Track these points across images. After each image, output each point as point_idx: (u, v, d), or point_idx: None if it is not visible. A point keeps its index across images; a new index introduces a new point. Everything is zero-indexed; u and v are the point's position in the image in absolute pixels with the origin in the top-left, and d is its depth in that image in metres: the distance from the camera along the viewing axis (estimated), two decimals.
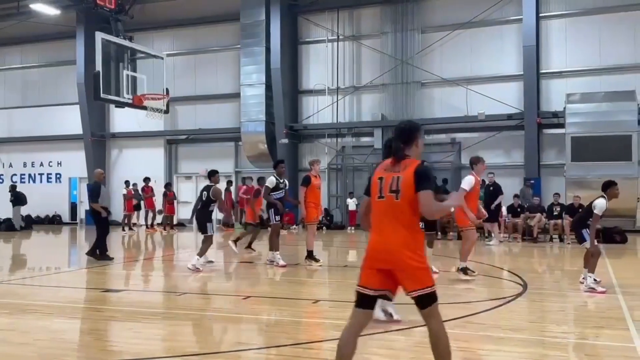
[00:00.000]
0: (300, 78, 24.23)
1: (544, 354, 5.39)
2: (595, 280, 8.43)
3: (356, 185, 22.52)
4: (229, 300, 8.44)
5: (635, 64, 19.47)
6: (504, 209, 17.15)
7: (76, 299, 8.74)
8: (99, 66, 18.15)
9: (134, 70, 20.06)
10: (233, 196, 24.09)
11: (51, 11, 23.30)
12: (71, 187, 27.79)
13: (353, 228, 21.15)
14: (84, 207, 25.58)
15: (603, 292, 8.16)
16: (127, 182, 21.99)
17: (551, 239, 16.71)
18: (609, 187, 8.49)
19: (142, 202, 21.95)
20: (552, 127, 20.31)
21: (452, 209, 9.42)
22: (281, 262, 11.24)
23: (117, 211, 24.76)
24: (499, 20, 21.15)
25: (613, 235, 15.95)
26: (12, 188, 23.67)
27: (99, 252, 12.40)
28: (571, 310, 7.53)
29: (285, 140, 22.93)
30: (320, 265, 11.39)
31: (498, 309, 7.30)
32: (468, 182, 9.39)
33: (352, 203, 21.41)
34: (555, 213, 16.91)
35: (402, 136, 4.12)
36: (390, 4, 22.57)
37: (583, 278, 8.57)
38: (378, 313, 6.01)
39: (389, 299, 4.32)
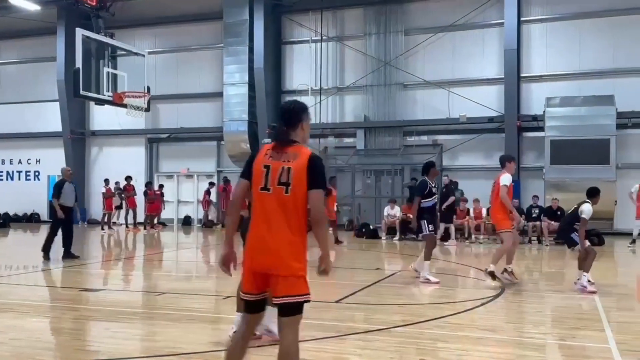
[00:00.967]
0: (283, 78, 24.19)
1: (522, 355, 5.45)
2: (589, 280, 8.57)
3: (338, 186, 22.51)
4: (209, 300, 8.39)
5: (614, 69, 19.75)
6: (483, 211, 17.29)
7: (53, 298, 8.64)
8: (79, 63, 17.97)
9: (115, 67, 19.90)
10: (214, 196, 24.04)
11: (31, 7, 22.98)
12: (50, 185, 27.43)
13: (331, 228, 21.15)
14: None
15: (593, 292, 8.31)
16: (106, 181, 21.78)
17: (530, 241, 16.89)
18: (595, 195, 8.96)
19: (123, 201, 21.79)
20: (531, 130, 20.53)
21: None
22: None
23: (97, 210, 24.56)
24: (481, 23, 21.32)
25: (590, 238, 16.10)
26: None
27: (42, 249, 12.22)
28: (548, 311, 7.62)
29: (268, 140, 22.45)
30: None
31: (476, 310, 7.36)
32: (508, 178, 9.19)
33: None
34: (534, 215, 17.12)
35: (286, 117, 3.72)
36: (373, 5, 22.64)
37: (578, 279, 8.73)
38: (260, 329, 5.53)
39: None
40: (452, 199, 16.61)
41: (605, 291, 8.65)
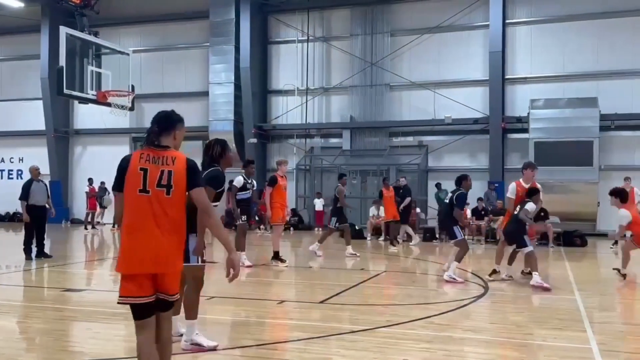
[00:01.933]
0: (269, 78, 24.16)
1: (504, 355, 5.49)
2: (453, 276, 9.39)
3: (324, 186, 22.58)
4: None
5: (597, 71, 19.97)
6: (468, 212, 17.39)
7: (35, 298, 8.55)
8: (63, 61, 17.77)
9: (99, 66, 19.70)
10: None
11: (15, 4, 22.75)
12: None
13: (320, 228, 21.17)
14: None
15: (459, 282, 9.26)
16: (90, 180, 21.59)
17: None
18: (465, 180, 9.66)
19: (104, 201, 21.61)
20: (516, 131, 20.69)
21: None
22: (247, 263, 11.17)
23: (80, 209, 24.36)
24: (466, 25, 21.45)
25: (573, 239, 16.32)
26: None
27: (24, 250, 12.14)
28: (531, 312, 7.68)
29: (254, 140, 22.85)
30: (286, 266, 11.39)
31: (460, 310, 7.40)
32: (511, 189, 9.73)
33: (319, 203, 21.47)
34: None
35: (162, 124, 3.89)
36: (360, 6, 22.69)
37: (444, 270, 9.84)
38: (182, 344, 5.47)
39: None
40: (408, 199, 16.88)
41: (587, 292, 8.73)
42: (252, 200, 11.91)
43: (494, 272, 9.64)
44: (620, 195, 10.30)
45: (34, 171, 12.72)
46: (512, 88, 21.09)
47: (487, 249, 15.93)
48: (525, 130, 19.72)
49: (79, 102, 21.47)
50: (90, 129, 25.77)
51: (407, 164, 21.29)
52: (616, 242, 16.06)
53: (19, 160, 27.16)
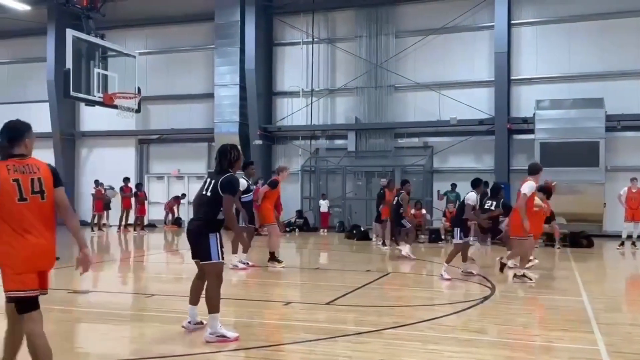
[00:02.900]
0: (274, 80, 24.18)
1: (510, 356, 5.48)
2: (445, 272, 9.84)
3: (329, 187, 22.58)
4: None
5: (603, 72, 19.89)
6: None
7: (42, 299, 8.57)
8: (69, 64, 17.84)
9: (105, 68, 19.76)
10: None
11: (21, 7, 22.83)
12: None
13: (325, 230, 21.19)
14: None
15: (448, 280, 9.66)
16: (96, 182, 21.66)
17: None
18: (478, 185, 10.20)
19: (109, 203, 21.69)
20: (522, 132, 20.63)
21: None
22: (241, 265, 11.14)
23: (86, 211, 24.41)
24: (471, 26, 21.41)
25: (580, 240, 16.25)
26: None
27: None
28: (538, 313, 7.66)
29: (259, 142, 22.87)
30: (283, 267, 11.37)
31: (466, 312, 7.39)
32: (529, 186, 9.47)
33: (324, 205, 21.47)
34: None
35: (11, 134, 4.19)
36: (365, 8, 22.69)
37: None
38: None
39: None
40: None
41: (594, 293, 8.70)
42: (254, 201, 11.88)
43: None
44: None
45: None
46: (518, 89, 21.04)
47: (494, 250, 15.88)
48: (531, 131, 19.66)
49: (86, 105, 21.51)
50: (97, 131, 25.85)
51: (412, 165, 21.27)
52: (622, 244, 16.01)
53: None
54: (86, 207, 24.38)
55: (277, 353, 5.54)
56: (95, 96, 18.99)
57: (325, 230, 21.22)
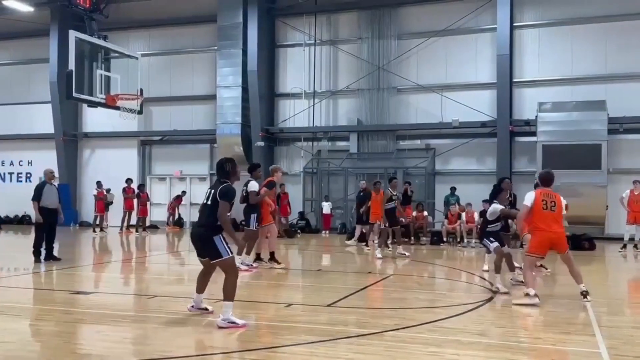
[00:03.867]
0: (277, 81, 24.21)
1: (512, 359, 5.47)
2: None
3: (331, 189, 22.59)
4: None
5: (605, 74, 19.88)
6: (475, 215, 17.34)
7: (44, 300, 8.60)
8: (72, 65, 17.90)
9: (108, 69, 19.82)
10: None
11: (25, 8, 22.92)
12: None
13: (327, 232, 21.19)
14: None
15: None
16: (98, 183, 21.69)
17: (522, 245, 16.92)
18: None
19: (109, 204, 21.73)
20: (524, 135, 20.63)
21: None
22: (243, 267, 11.16)
23: (88, 212, 24.46)
24: (473, 28, 21.42)
25: (582, 243, 16.24)
26: None
27: (33, 252, 12.23)
28: (539, 315, 7.64)
29: (261, 143, 22.89)
30: (282, 268, 11.40)
31: (468, 314, 7.39)
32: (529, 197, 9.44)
33: (326, 206, 21.47)
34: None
35: None
36: (367, 10, 22.71)
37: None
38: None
39: None
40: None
41: (596, 296, 8.69)
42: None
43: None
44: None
45: (49, 174, 12.79)
46: (520, 91, 21.03)
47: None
48: (533, 134, 19.65)
49: (88, 106, 21.59)
50: (99, 132, 25.91)
51: (414, 167, 21.27)
52: (625, 246, 15.99)
53: (28, 163, 27.33)
54: (88, 208, 24.45)
55: (279, 355, 5.54)
56: (97, 97, 19.05)
57: (327, 232, 21.22)
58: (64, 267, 11.70)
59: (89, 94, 18.91)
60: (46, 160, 25.87)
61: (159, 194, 25.28)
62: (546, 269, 11.30)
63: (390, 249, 15.06)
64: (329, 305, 7.83)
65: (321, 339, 5.98)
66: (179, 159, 25.29)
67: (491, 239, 9.29)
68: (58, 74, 24.02)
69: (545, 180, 8.69)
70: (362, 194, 17.56)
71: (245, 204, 11.27)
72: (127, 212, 21.38)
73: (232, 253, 6.64)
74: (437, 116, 21.43)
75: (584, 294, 8.12)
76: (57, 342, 6.05)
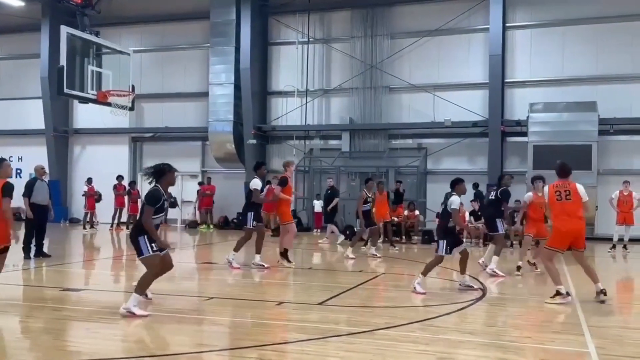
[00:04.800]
0: (269, 79, 24.15)
1: (501, 358, 5.50)
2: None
3: (323, 187, 22.54)
4: (191, 301, 8.37)
5: (596, 75, 19.99)
6: (466, 215, 17.42)
7: (34, 297, 8.55)
8: (63, 61, 17.78)
9: (100, 65, 19.69)
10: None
11: (16, 3, 22.75)
12: None
13: (319, 230, 21.19)
14: None
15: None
16: (89, 180, 21.58)
17: (511, 245, 17.01)
18: (457, 184, 9.26)
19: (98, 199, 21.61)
20: (515, 135, 20.70)
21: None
22: (265, 264, 11.17)
23: (79, 209, 24.34)
24: (466, 28, 21.47)
25: None
26: None
27: (23, 249, 12.16)
28: (529, 315, 7.69)
29: (253, 141, 22.84)
30: (292, 266, 11.43)
31: (458, 313, 7.42)
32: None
33: (318, 205, 21.45)
34: (515, 219, 17.21)
35: None
36: (360, 8, 22.70)
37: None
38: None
39: None
40: (336, 200, 17.62)
41: (586, 296, 8.75)
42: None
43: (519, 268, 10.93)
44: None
45: (40, 170, 12.72)
46: (512, 91, 21.11)
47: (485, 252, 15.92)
48: (524, 134, 19.74)
49: (79, 102, 21.46)
50: (90, 128, 25.76)
51: (406, 167, 21.30)
52: (614, 247, 16.10)
53: (18, 159, 27.11)
54: (79, 205, 24.32)
55: (270, 353, 5.54)
56: (89, 93, 18.93)
57: (319, 230, 21.22)
58: (54, 263, 11.64)
59: (80, 90, 18.78)
60: (37, 156, 25.67)
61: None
62: (537, 268, 11.38)
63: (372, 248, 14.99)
64: (319, 304, 7.84)
65: (312, 337, 5.99)
66: (171, 156, 25.00)
67: (447, 241, 8.98)
68: (49, 69, 23.84)
69: (560, 171, 8.68)
70: (329, 192, 17.66)
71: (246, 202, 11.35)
72: (118, 209, 21.28)
73: (153, 252, 6.94)
74: (429, 116, 21.48)
75: (604, 292, 8.18)
76: (46, 339, 6.02)
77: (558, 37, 20.57)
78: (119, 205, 21.24)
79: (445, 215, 9.08)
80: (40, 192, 12.28)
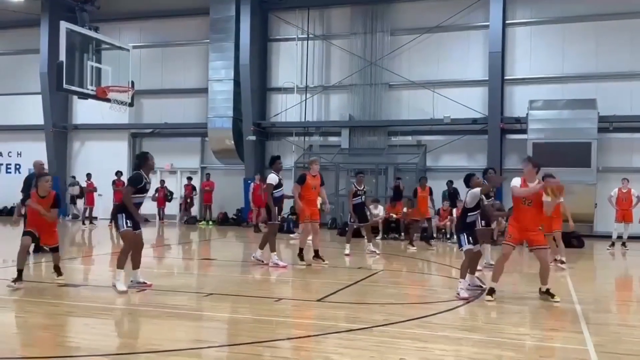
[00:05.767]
0: (269, 75, 24.13)
1: (500, 355, 5.50)
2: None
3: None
4: (189, 297, 8.37)
5: (596, 73, 19.98)
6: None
7: (32, 293, 8.54)
8: (62, 56, 17.75)
9: (99, 61, 19.65)
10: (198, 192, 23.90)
11: None
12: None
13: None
14: None
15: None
16: (88, 175, 21.57)
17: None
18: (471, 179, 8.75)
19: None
20: (514, 132, 20.70)
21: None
22: (281, 263, 11.07)
23: (77, 204, 24.31)
24: (466, 25, 21.44)
25: (571, 240, 16.31)
26: None
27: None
28: (528, 312, 7.69)
29: (253, 137, 22.82)
30: (303, 266, 11.35)
31: (456, 310, 7.43)
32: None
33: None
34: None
35: None
36: (360, 5, 22.67)
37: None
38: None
39: None
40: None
41: (584, 293, 8.76)
42: (285, 197, 11.70)
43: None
44: None
45: (39, 166, 12.69)
46: (511, 89, 21.10)
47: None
48: (524, 131, 19.73)
49: (78, 98, 21.43)
50: (89, 124, 25.73)
51: (405, 163, 21.28)
52: (613, 244, 16.11)
53: (17, 154, 27.13)
54: (77, 201, 24.29)
55: (268, 349, 5.54)
56: (88, 89, 18.90)
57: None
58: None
59: (79, 85, 18.75)
60: (36, 151, 25.64)
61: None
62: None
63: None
64: (318, 300, 7.84)
65: (310, 334, 5.99)
66: (170, 152, 25.14)
67: (467, 234, 8.50)
68: (48, 65, 23.80)
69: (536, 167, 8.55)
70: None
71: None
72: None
73: (127, 227, 8.14)
74: (429, 113, 21.46)
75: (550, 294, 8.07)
76: (45, 335, 6.02)
77: (558, 34, 20.55)
78: (118, 201, 21.16)
79: (464, 211, 8.71)
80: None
